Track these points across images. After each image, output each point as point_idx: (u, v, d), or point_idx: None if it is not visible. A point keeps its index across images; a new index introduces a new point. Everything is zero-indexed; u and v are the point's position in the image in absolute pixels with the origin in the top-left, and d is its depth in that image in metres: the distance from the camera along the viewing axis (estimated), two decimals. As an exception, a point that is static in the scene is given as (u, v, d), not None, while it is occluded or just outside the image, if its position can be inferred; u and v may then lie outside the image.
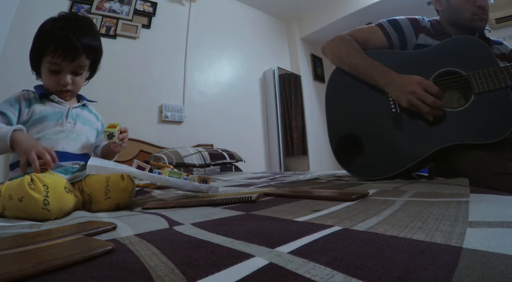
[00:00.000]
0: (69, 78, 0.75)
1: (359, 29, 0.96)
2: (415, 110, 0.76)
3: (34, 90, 0.78)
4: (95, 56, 0.79)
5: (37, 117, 0.72)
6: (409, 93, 0.74)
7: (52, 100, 0.77)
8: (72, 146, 0.74)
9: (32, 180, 0.48)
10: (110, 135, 0.73)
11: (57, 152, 0.70)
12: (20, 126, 0.67)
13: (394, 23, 0.91)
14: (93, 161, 0.57)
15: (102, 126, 0.89)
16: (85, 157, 0.78)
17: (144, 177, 0.61)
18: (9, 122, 0.70)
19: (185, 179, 0.65)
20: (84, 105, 0.85)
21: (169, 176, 0.63)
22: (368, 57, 0.86)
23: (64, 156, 0.71)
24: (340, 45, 0.93)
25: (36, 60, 0.74)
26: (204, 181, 0.69)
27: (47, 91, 0.77)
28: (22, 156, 0.60)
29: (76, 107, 0.81)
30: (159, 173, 0.64)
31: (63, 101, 0.78)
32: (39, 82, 0.81)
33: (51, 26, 0.71)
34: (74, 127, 0.77)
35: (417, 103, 0.73)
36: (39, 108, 0.73)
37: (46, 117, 0.73)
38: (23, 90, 0.77)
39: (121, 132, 0.76)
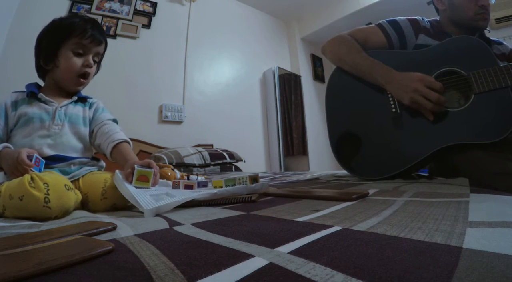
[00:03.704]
0: (92, 60, 0.77)
1: (359, 29, 0.96)
2: (417, 108, 0.75)
3: (24, 90, 0.76)
4: (104, 52, 0.83)
5: (23, 120, 0.71)
6: (411, 91, 0.74)
7: (40, 100, 0.74)
8: (62, 151, 0.71)
9: (32, 178, 0.47)
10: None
11: (49, 155, 0.68)
12: (5, 145, 0.66)
13: (394, 24, 0.91)
14: (142, 197, 0.49)
15: (95, 112, 0.83)
16: (79, 156, 0.75)
17: (205, 197, 0.54)
18: None
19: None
20: (76, 101, 0.80)
21: (226, 186, 0.61)
22: (368, 57, 0.86)
23: (55, 158, 0.69)
24: (340, 45, 0.93)
25: (53, 47, 0.74)
26: (254, 180, 0.65)
27: (36, 90, 0.75)
28: (10, 176, 0.60)
29: (65, 105, 0.76)
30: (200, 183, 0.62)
31: (51, 100, 0.74)
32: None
33: (71, 20, 0.75)
34: (62, 130, 0.73)
35: (420, 100, 0.73)
36: (26, 110, 0.71)
37: (32, 119, 0.70)
38: (12, 93, 0.76)
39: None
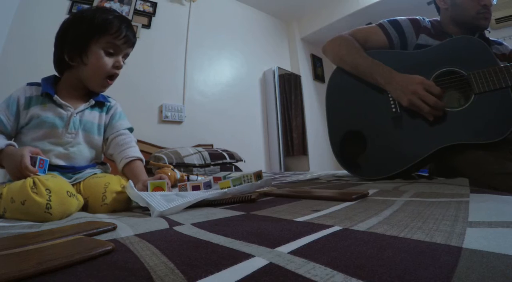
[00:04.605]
0: (122, 61, 0.74)
1: (359, 29, 0.96)
2: (415, 110, 0.76)
3: (39, 83, 0.71)
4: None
5: (35, 122, 0.67)
6: (410, 93, 0.74)
7: (55, 102, 0.69)
8: (72, 160, 0.69)
9: (34, 183, 0.47)
10: None
11: (58, 165, 0.66)
12: (8, 142, 0.63)
13: (395, 23, 0.91)
14: (153, 199, 0.48)
15: (112, 119, 0.79)
16: (88, 164, 0.73)
17: (215, 197, 0.54)
18: (1, 128, 0.67)
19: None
20: (93, 106, 0.76)
21: (234, 185, 0.61)
22: (368, 57, 0.86)
23: (63, 167, 0.68)
24: (340, 45, 0.93)
25: (83, 42, 0.69)
26: (259, 176, 0.66)
27: (52, 91, 0.70)
28: (12, 178, 0.58)
29: (81, 110, 0.72)
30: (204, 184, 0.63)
31: (67, 104, 0.70)
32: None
33: (105, 16, 0.69)
34: (75, 139, 0.70)
35: (418, 103, 0.73)
36: (38, 112, 0.67)
37: (44, 124, 0.67)
38: (27, 85, 0.72)
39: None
